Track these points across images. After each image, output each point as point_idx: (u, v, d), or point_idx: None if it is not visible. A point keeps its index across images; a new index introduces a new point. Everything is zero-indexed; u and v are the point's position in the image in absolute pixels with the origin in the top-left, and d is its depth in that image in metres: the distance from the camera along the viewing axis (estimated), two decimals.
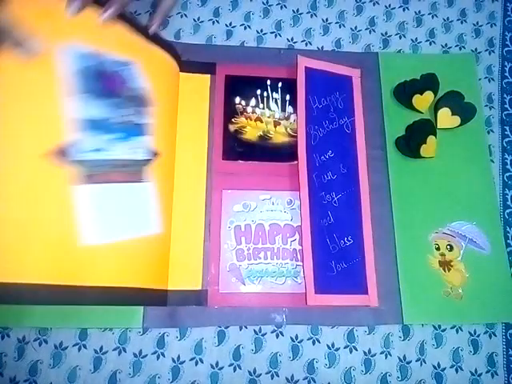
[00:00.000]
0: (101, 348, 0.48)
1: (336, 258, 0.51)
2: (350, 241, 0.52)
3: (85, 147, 0.43)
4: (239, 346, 0.50)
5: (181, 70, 0.57)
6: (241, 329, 0.50)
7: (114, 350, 0.48)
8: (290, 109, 0.58)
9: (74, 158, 0.42)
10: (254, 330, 0.50)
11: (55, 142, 0.41)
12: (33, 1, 0.42)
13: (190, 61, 0.58)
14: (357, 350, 0.51)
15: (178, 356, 0.49)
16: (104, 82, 0.45)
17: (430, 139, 0.56)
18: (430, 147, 0.56)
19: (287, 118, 0.58)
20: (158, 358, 0.49)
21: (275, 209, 0.54)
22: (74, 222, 0.42)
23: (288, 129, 0.57)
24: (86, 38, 0.44)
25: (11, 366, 0.47)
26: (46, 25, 0.42)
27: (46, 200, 0.41)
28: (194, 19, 0.61)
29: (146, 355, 0.48)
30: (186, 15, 0.61)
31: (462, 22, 0.65)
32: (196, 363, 0.49)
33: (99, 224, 0.44)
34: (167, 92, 0.54)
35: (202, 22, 0.61)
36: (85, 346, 0.48)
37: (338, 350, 0.50)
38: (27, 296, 0.43)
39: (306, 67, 0.57)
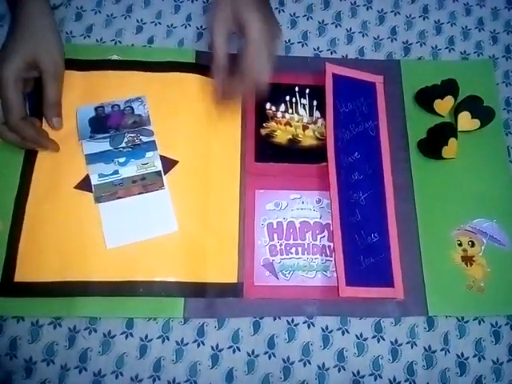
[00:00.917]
0: (146, 336, 0.52)
1: (364, 253, 0.54)
2: (376, 237, 0.56)
3: (103, 173, 0.55)
4: (273, 335, 0.53)
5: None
6: (274, 319, 0.53)
7: (158, 338, 0.52)
8: (317, 113, 0.61)
9: (95, 184, 0.55)
10: (287, 321, 0.54)
11: (81, 174, 0.55)
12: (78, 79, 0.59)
13: None
14: (384, 340, 0.53)
15: (217, 344, 0.52)
16: (107, 121, 0.57)
17: (452, 141, 0.59)
18: (451, 149, 0.59)
19: (315, 122, 0.61)
20: (198, 346, 0.52)
21: (305, 207, 0.57)
22: (100, 232, 0.53)
23: (316, 132, 0.61)
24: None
25: (62, 353, 0.51)
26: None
27: (80, 217, 0.54)
28: None
29: (188, 343, 0.52)
30: None
31: (479, 30, 0.68)
32: (233, 351, 0.52)
33: (118, 230, 0.53)
34: (184, 109, 0.59)
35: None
36: (131, 335, 0.52)
37: (366, 339, 0.53)
38: (80, 289, 0.51)
39: (333, 73, 0.61)
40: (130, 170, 0.55)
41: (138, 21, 0.65)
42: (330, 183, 0.56)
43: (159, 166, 0.56)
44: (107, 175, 0.55)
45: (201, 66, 0.61)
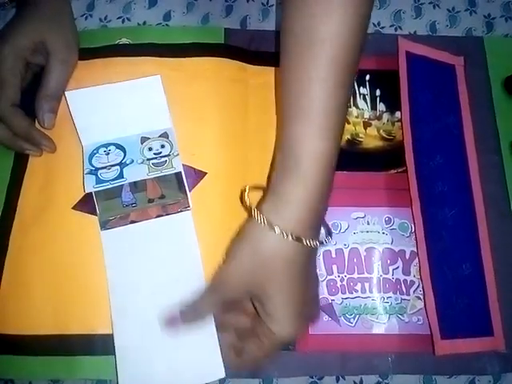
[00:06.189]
0: None
1: (457, 292, 0.42)
2: (468, 269, 0.43)
3: (101, 177, 0.43)
4: None
5: (249, 63, 0.50)
6: (338, 380, 0.41)
7: None
8: (381, 106, 0.49)
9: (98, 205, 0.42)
10: (354, 382, 0.41)
11: (82, 190, 0.43)
12: None
13: (259, 51, 0.50)
14: None
15: None
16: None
17: None
18: None
19: (379, 118, 0.48)
20: None
21: (371, 229, 0.45)
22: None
23: (381, 131, 0.48)
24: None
25: None
26: None
27: (79, 249, 0.42)
28: (262, 3, 0.53)
29: None
30: None
31: None
32: None
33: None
34: (212, 104, 0.47)
35: (272, 6, 0.53)
36: None
37: None
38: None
39: (407, 52, 0.47)
40: (139, 170, 0.43)
41: None
42: (411, 197, 0.43)
43: (179, 167, 0.43)
44: (107, 180, 0.42)
45: (232, 47, 0.50)
